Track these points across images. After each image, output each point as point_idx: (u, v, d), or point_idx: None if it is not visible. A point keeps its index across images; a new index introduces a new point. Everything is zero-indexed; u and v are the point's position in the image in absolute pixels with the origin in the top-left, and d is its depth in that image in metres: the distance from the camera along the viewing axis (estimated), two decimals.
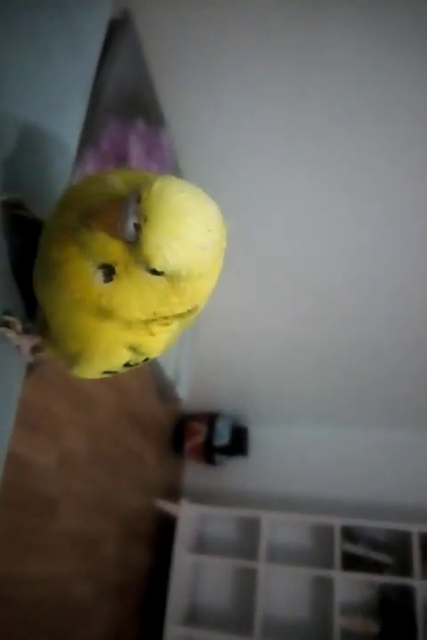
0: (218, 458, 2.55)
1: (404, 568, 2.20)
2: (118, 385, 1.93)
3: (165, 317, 0.31)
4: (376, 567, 2.20)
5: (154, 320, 0.31)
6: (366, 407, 2.34)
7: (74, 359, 0.35)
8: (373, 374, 2.00)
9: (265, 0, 0.81)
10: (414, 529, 2.15)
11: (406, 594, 2.15)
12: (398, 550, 2.26)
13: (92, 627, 1.77)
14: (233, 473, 2.64)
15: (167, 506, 2.35)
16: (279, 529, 2.43)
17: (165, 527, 2.38)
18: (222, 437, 2.53)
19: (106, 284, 0.29)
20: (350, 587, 2.26)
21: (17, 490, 1.32)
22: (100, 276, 0.29)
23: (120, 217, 0.26)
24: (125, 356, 0.34)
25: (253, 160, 1.08)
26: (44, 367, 1.24)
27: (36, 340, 0.38)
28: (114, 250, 0.27)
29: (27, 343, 0.38)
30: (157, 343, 0.34)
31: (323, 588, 2.26)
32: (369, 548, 2.24)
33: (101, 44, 0.59)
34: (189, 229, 0.26)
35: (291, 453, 2.64)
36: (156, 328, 0.32)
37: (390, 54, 0.83)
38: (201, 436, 2.53)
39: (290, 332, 1.79)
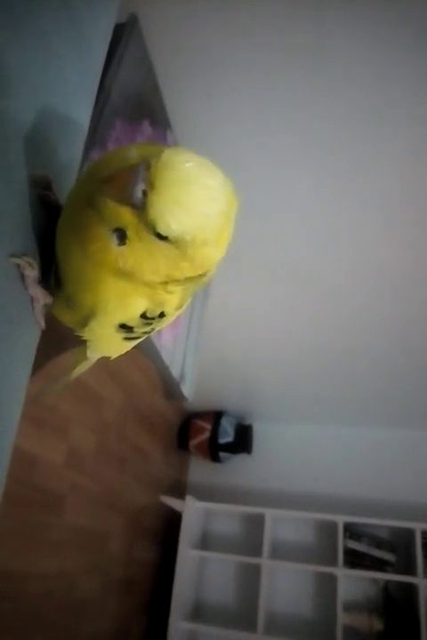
0: (222, 455, 2.56)
1: (407, 566, 2.21)
2: (125, 383, 1.95)
3: (178, 280, 0.33)
4: (379, 565, 2.21)
5: (167, 283, 0.33)
6: (370, 405, 2.35)
7: (88, 315, 0.36)
8: (376, 372, 2.00)
9: (269, 5, 0.81)
10: (418, 527, 2.15)
11: (410, 591, 2.16)
12: (401, 548, 2.27)
13: (98, 621, 1.79)
14: (237, 470, 2.65)
15: (172, 502, 2.37)
16: (283, 526, 2.45)
17: (170, 523, 2.40)
18: (227, 435, 2.55)
19: (120, 247, 0.30)
20: (353, 584, 2.27)
21: (24, 486, 1.34)
22: (114, 239, 0.30)
23: (130, 183, 0.27)
24: (142, 305, 0.35)
25: (258, 162, 1.09)
26: (50, 365, 1.25)
27: (48, 299, 0.38)
28: (124, 215, 0.29)
29: (41, 295, 0.38)
30: (172, 298, 0.35)
31: (326, 585, 2.27)
32: (372, 546, 2.24)
33: (108, 47, 0.59)
34: (191, 197, 0.27)
35: (295, 451, 2.65)
36: (171, 288, 0.34)
37: (394, 59, 0.83)
38: (206, 434, 2.55)
39: (294, 330, 1.80)
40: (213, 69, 0.94)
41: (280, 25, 0.83)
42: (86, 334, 0.38)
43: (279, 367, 2.12)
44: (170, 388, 1.11)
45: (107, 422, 1.82)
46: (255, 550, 2.30)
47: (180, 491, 2.61)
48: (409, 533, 2.21)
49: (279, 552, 2.37)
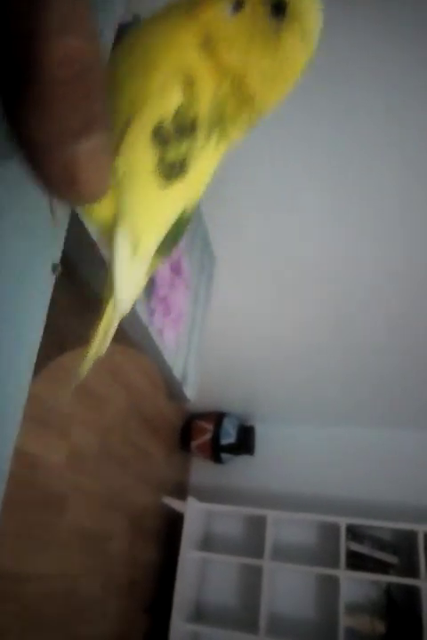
0: (224, 456, 2.56)
1: (409, 568, 2.20)
2: (127, 384, 1.95)
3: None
4: (382, 567, 2.20)
5: (222, 82, 0.35)
6: (373, 407, 2.34)
7: (126, 120, 0.36)
8: (378, 374, 2.00)
9: None
10: (421, 529, 2.15)
11: (412, 594, 2.15)
12: (403, 550, 2.26)
13: (99, 622, 1.79)
14: (239, 471, 2.65)
15: (174, 503, 2.37)
16: (285, 527, 2.44)
17: (172, 524, 2.40)
18: (229, 436, 2.54)
19: (230, 16, 0.33)
20: (355, 586, 2.26)
21: (26, 486, 1.34)
22: (229, 7, 0.33)
23: None
24: (178, 95, 0.35)
25: (259, 160, 1.08)
26: (54, 365, 1.25)
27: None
28: None
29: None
30: (203, 104, 0.36)
31: (328, 587, 2.26)
32: (375, 548, 2.24)
33: (111, 48, 0.59)
34: (319, 19, 0.33)
35: (297, 452, 2.65)
36: (221, 93, 0.36)
37: (398, 57, 0.83)
38: (208, 435, 2.55)
39: (297, 331, 1.80)
40: None
41: None
42: (117, 168, 0.37)
43: (282, 368, 2.12)
44: (172, 389, 1.11)
45: (109, 423, 1.82)
46: (257, 552, 2.30)
47: (182, 491, 2.61)
48: (412, 535, 2.20)
49: (281, 554, 2.36)
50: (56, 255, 0.45)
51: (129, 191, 0.38)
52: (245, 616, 2.31)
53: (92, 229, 0.77)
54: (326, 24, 0.36)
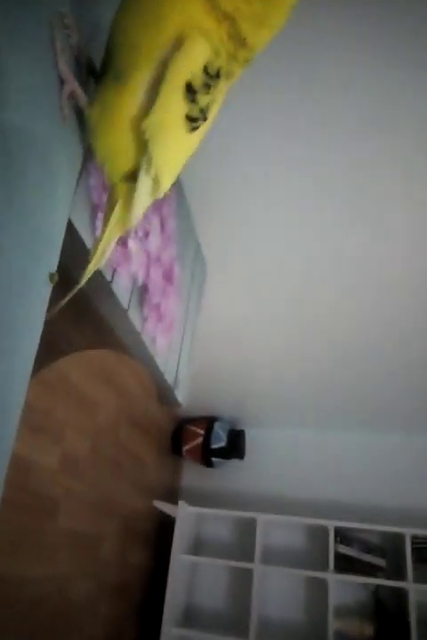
0: (215, 460, 2.57)
1: (397, 570, 2.22)
2: (119, 388, 1.96)
3: (233, 32, 0.38)
4: (370, 569, 2.22)
5: (227, 21, 0.37)
6: (361, 411, 2.36)
7: (156, 77, 0.38)
8: (366, 379, 2.02)
9: None
10: (408, 532, 2.17)
11: (400, 596, 2.17)
12: (391, 553, 2.28)
13: (90, 626, 1.79)
14: (230, 475, 2.67)
15: (165, 507, 2.37)
16: (275, 530, 2.46)
17: (163, 528, 2.41)
18: (220, 440, 2.56)
19: None
20: (344, 589, 2.28)
21: (18, 490, 1.35)
22: None
23: None
24: (206, 49, 0.37)
25: (249, 168, 1.09)
26: (46, 370, 1.26)
27: (80, 94, 0.42)
28: None
29: (71, 78, 0.41)
30: (223, 50, 0.38)
31: (317, 590, 2.28)
32: (363, 551, 2.26)
33: None
34: None
35: (286, 456, 2.67)
36: (229, 37, 0.38)
37: (389, 66, 0.83)
38: (199, 439, 2.56)
39: (286, 337, 1.81)
40: None
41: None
42: (148, 126, 0.39)
43: (271, 373, 2.13)
44: (164, 394, 1.13)
45: (101, 427, 1.83)
46: (247, 555, 2.31)
47: (173, 495, 2.62)
48: (399, 538, 2.22)
49: (271, 557, 2.38)
50: (53, 264, 0.47)
51: (159, 140, 0.41)
52: (236, 620, 2.32)
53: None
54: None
